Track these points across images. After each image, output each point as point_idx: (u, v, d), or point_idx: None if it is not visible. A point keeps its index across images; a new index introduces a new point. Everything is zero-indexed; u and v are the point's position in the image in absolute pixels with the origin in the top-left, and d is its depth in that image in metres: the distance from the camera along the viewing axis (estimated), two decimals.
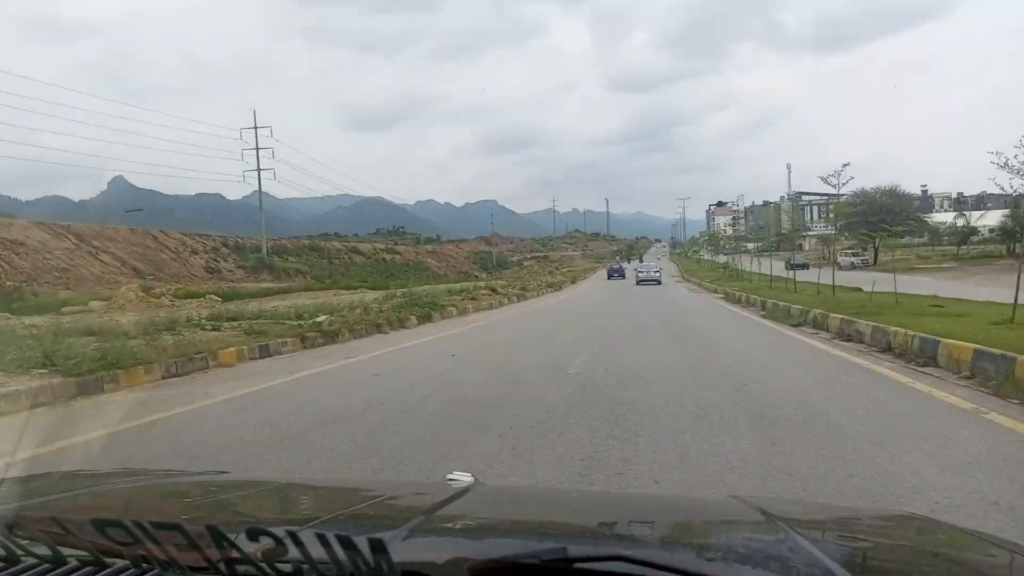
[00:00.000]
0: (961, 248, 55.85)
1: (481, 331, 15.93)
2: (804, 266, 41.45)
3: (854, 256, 50.81)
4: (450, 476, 1.47)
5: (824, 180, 21.54)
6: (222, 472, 1.97)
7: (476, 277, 63.84)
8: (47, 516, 0.95)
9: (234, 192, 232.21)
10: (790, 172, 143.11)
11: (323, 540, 0.74)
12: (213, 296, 26.38)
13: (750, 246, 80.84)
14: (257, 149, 49.22)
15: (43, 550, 0.84)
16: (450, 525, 1.09)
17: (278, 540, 0.77)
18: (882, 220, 46.14)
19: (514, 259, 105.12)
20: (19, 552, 0.84)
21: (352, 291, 29.49)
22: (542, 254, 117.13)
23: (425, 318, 17.83)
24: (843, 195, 28.88)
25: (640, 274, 44.64)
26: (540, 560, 0.76)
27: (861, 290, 17.43)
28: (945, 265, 44.35)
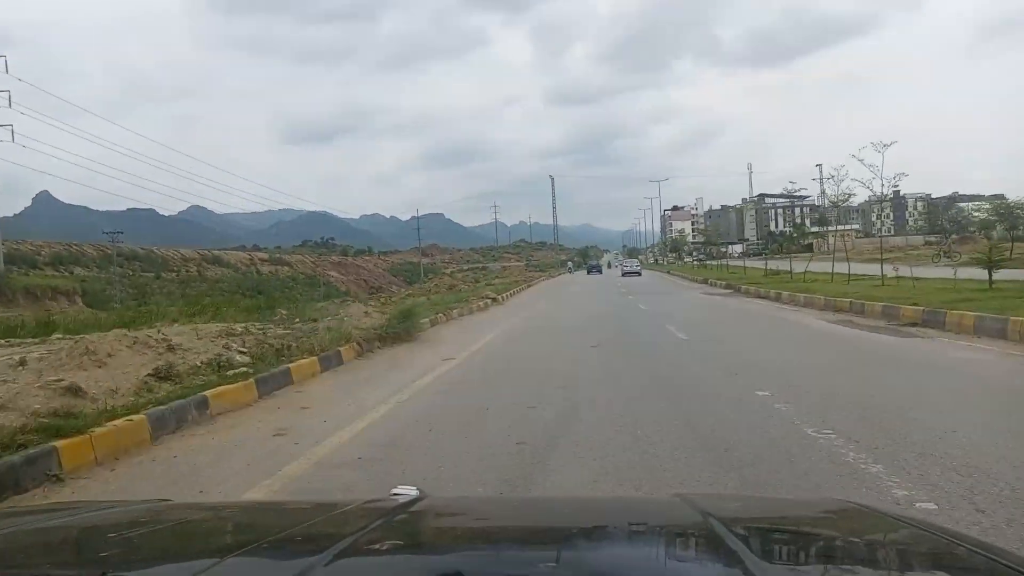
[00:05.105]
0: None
1: None
2: None
3: None
4: (395, 490, 1.49)
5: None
6: (163, 500, 1.85)
7: (389, 292, 50.83)
8: None
9: (168, 207, 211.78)
10: (751, 173, 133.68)
11: None
12: None
13: (735, 248, 69.35)
14: None
15: None
16: (376, 547, 1.11)
17: None
18: None
19: (447, 271, 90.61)
20: None
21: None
22: (480, 265, 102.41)
23: None
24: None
25: (625, 267, 54.15)
26: None
27: None
28: None
